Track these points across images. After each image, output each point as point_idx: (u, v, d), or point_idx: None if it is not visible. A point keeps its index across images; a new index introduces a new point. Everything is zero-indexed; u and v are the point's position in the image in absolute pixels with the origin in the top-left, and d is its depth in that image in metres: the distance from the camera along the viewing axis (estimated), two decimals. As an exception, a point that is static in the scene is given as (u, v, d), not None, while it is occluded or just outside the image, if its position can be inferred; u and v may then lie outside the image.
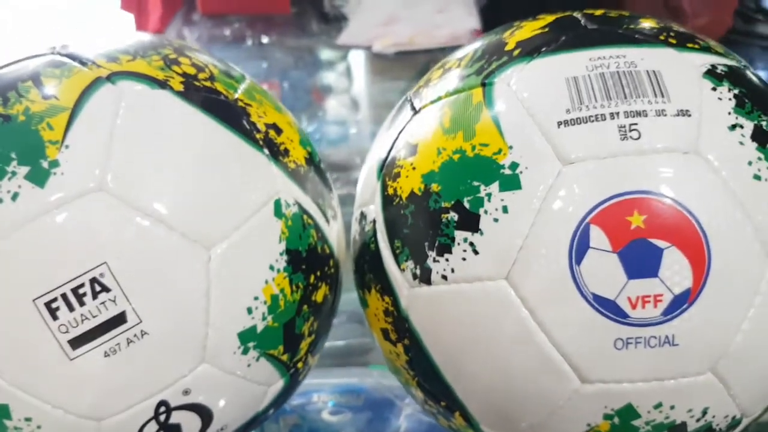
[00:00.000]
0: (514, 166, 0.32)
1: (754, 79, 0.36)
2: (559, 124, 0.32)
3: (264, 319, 0.36)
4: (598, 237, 0.30)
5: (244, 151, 0.37)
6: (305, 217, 0.39)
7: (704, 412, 0.33)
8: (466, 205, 0.33)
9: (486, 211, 0.33)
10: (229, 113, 0.38)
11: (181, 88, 0.37)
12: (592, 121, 0.32)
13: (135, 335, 0.33)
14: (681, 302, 0.30)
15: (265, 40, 1.28)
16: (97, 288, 0.32)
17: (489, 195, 0.33)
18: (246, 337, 0.36)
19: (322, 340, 0.43)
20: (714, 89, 0.33)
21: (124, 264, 0.32)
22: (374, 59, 1.21)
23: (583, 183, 0.31)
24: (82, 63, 0.37)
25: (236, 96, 0.39)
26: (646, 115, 0.32)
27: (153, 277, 0.33)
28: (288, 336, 0.38)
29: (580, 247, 0.31)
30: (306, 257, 0.38)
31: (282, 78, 1.17)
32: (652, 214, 0.30)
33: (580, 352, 0.31)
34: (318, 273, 0.40)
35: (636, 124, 0.32)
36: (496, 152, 0.33)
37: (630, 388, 0.31)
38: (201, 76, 0.39)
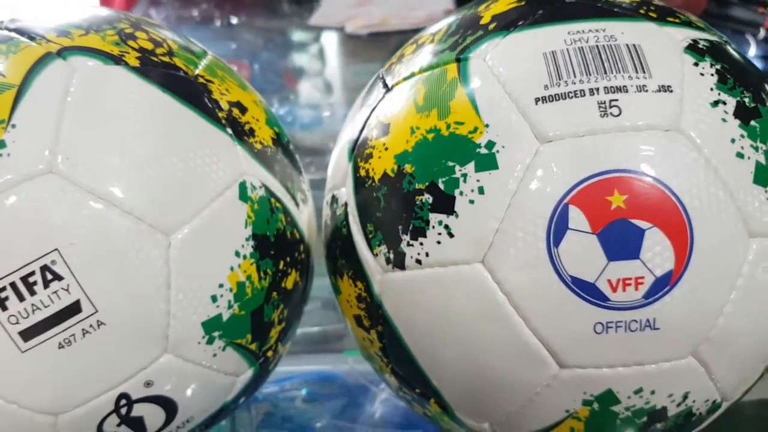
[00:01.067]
0: (490, 145, 0.31)
1: (736, 54, 0.35)
2: (537, 100, 0.31)
3: (230, 307, 0.34)
4: (577, 218, 0.29)
5: (206, 131, 0.35)
6: (273, 200, 0.37)
7: (685, 397, 0.32)
8: (441, 186, 0.32)
9: (461, 193, 0.31)
10: (189, 90, 0.36)
11: (137, 63, 0.35)
12: (571, 97, 0.31)
13: (91, 326, 0.31)
14: (663, 285, 0.29)
15: (234, 20, 1.25)
16: (49, 276, 0.30)
17: (464, 176, 0.31)
18: (211, 326, 0.34)
19: (294, 328, 0.42)
20: (696, 64, 0.32)
21: (77, 250, 0.30)
22: (347, 41, 1.18)
23: (562, 162, 0.30)
24: (31, 38, 0.34)
25: (197, 72, 0.37)
26: (626, 91, 0.31)
27: (109, 264, 0.31)
28: (256, 324, 0.36)
29: (558, 229, 0.29)
30: (274, 242, 0.37)
31: (252, 60, 1.14)
32: (633, 193, 0.29)
33: (558, 337, 0.30)
34: (288, 259, 0.38)
35: (616, 100, 0.30)
36: (471, 131, 0.32)
37: (610, 373, 0.30)
38: (159, 51, 0.37)
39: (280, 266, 0.37)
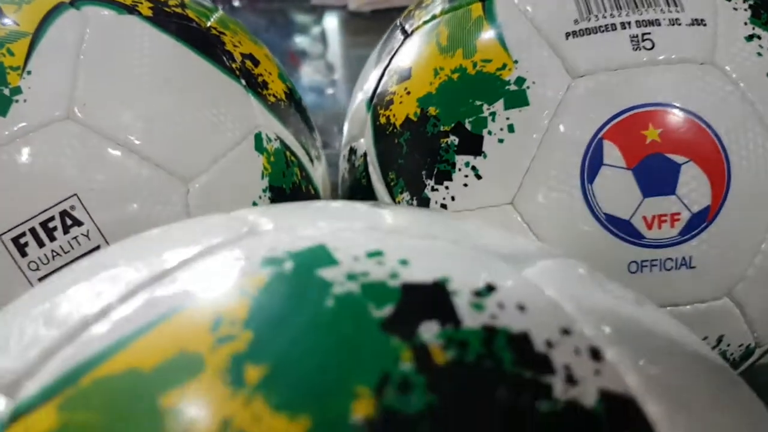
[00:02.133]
0: (520, 81, 0.30)
1: (766, -6, 0.34)
2: (567, 35, 0.30)
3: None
4: (611, 153, 0.28)
5: (220, 81, 0.34)
6: (288, 153, 0.36)
7: (719, 340, 0.31)
8: (468, 126, 0.31)
9: (490, 132, 0.30)
10: (203, 40, 0.35)
11: (150, 13, 0.34)
12: (603, 31, 0.30)
13: None
14: (699, 221, 0.29)
15: (236, 2, 1.23)
16: (68, 222, 0.29)
17: (493, 114, 0.30)
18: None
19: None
20: (728, 0, 0.31)
21: (96, 196, 0.29)
22: (350, 19, 1.17)
23: (595, 96, 0.29)
24: (43, -14, 0.33)
25: (209, 24, 0.36)
26: (659, 24, 0.30)
27: (128, 210, 0.30)
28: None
29: (592, 165, 0.29)
30: (290, 195, 0.36)
31: (255, 39, 1.13)
32: (668, 127, 0.28)
33: (592, 278, 0.29)
34: (305, 213, 0.37)
35: (649, 33, 0.30)
36: (500, 68, 0.31)
37: (645, 315, 0.30)
38: (171, 2, 0.36)
39: (299, 220, 0.36)
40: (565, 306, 0.16)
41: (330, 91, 0.99)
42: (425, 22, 0.35)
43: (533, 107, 0.30)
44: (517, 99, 0.30)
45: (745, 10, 0.31)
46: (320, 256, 0.16)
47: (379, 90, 0.36)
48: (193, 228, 0.20)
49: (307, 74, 1.24)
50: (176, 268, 0.16)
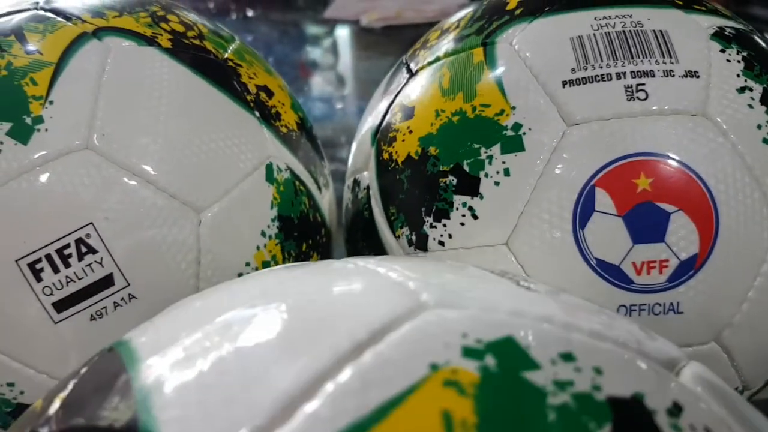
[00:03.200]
0: (517, 127, 0.31)
1: (762, 42, 0.35)
2: (564, 83, 0.31)
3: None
4: (603, 200, 0.30)
5: (235, 113, 0.36)
6: (297, 183, 0.38)
7: (705, 381, 0.32)
8: (466, 168, 0.32)
9: (487, 174, 0.31)
10: (219, 73, 0.36)
11: (169, 45, 0.35)
12: (598, 80, 0.31)
13: (122, 299, 0.31)
14: (687, 268, 0.30)
15: (250, 13, 1.25)
16: (83, 249, 0.30)
17: (490, 157, 0.32)
18: (237, 304, 0.35)
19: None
20: (722, 51, 0.32)
21: (111, 225, 0.31)
22: (361, 34, 1.19)
23: (588, 144, 0.30)
24: (67, 18, 0.35)
25: (226, 56, 0.38)
26: (653, 75, 0.31)
27: (141, 239, 0.31)
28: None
29: (584, 211, 0.30)
30: (298, 224, 0.37)
31: (267, 52, 1.14)
32: (659, 176, 0.29)
33: (582, 319, 0.30)
34: (310, 241, 0.39)
35: (643, 84, 0.31)
36: (498, 113, 0.32)
37: (632, 356, 0.31)
38: (190, 34, 0.37)
39: (303, 248, 0.38)
40: (728, 420, 0.17)
41: (339, 105, 1.01)
42: (429, 63, 0.37)
43: (529, 152, 0.31)
44: (514, 144, 0.31)
45: (739, 62, 0.32)
46: (517, 353, 0.16)
47: (383, 125, 0.37)
48: (348, 291, 0.19)
49: (318, 85, 1.26)
50: (364, 343, 0.16)
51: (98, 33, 0.34)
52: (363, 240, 0.38)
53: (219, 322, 0.18)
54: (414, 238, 0.34)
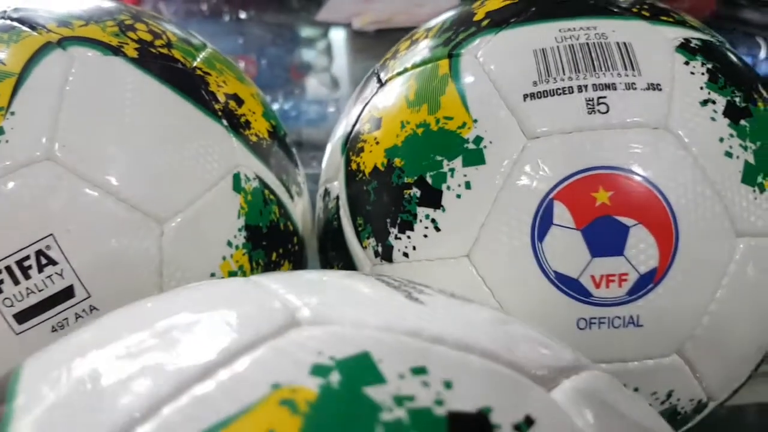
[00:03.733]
0: (478, 140, 0.31)
1: (729, 54, 0.35)
2: (525, 97, 0.31)
3: (221, 296, 0.35)
4: (561, 214, 0.29)
5: (201, 122, 0.36)
6: (267, 192, 0.38)
7: (669, 395, 0.32)
8: (429, 180, 0.32)
9: (449, 187, 0.31)
10: (186, 82, 0.36)
11: (135, 55, 0.35)
12: (559, 94, 0.31)
13: (83, 310, 0.31)
14: (647, 282, 0.29)
15: (242, 15, 1.25)
16: (43, 261, 0.30)
17: (452, 170, 0.31)
18: (203, 314, 0.35)
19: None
20: (686, 63, 0.32)
21: (71, 236, 0.31)
22: (355, 37, 1.19)
23: (548, 158, 0.30)
24: (32, 27, 0.35)
25: (195, 64, 0.38)
26: (615, 89, 0.31)
27: (102, 250, 0.31)
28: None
29: (542, 224, 0.30)
30: (267, 233, 0.37)
31: (259, 55, 1.15)
32: (619, 190, 0.29)
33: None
34: (280, 250, 0.39)
35: (604, 97, 0.31)
36: (460, 126, 0.32)
37: (592, 369, 0.31)
38: (158, 43, 0.37)
39: (273, 257, 0.38)
40: None
41: (332, 109, 1.01)
42: (398, 74, 0.37)
43: (489, 166, 0.31)
44: (475, 157, 0.31)
45: (703, 74, 0.32)
46: (366, 368, 0.16)
47: (353, 135, 0.37)
48: (222, 310, 0.19)
49: (312, 86, 1.26)
50: (216, 364, 0.16)
51: (63, 42, 0.34)
52: (333, 249, 0.38)
53: (91, 350, 0.18)
54: (380, 249, 0.34)
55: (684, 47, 0.33)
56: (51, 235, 0.30)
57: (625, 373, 0.31)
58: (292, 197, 0.41)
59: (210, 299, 0.20)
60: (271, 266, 0.38)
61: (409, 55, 0.37)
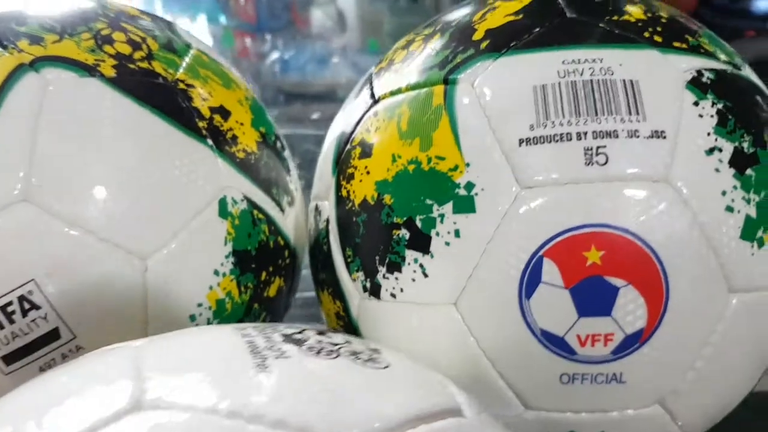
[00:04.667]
0: (469, 186, 0.30)
1: (745, 84, 0.32)
2: (521, 141, 0.30)
3: (209, 324, 0.35)
4: (550, 271, 0.29)
5: (185, 146, 0.34)
6: (256, 212, 0.37)
7: (648, 436, 0.32)
8: (418, 224, 0.31)
9: (438, 233, 0.30)
10: (167, 100, 0.35)
11: (113, 74, 0.34)
12: (557, 141, 0.29)
13: (70, 350, 0.31)
14: (632, 342, 0.29)
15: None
16: (26, 306, 0.30)
17: (442, 216, 0.30)
18: (191, 342, 0.35)
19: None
20: (696, 104, 0.30)
21: (53, 280, 0.31)
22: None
23: (540, 211, 0.29)
24: (3, 46, 0.33)
25: (177, 76, 0.36)
26: (616, 137, 0.29)
27: (86, 291, 0.31)
28: (237, 334, 0.37)
29: (531, 281, 0.29)
30: (256, 255, 0.37)
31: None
32: (611, 249, 0.28)
33: (524, 383, 0.30)
34: (270, 268, 0.38)
35: (604, 147, 0.29)
36: (452, 168, 0.30)
37: (573, 418, 0.31)
38: (137, 55, 0.35)
39: (262, 277, 0.37)
40: None
41: (335, 59, 0.97)
42: (392, 93, 0.35)
43: (479, 215, 0.30)
44: (465, 204, 0.30)
45: (712, 116, 0.30)
46: None
47: (344, 155, 0.36)
48: (72, 399, 0.20)
49: (318, 19, 1.21)
50: None
51: (36, 64, 0.33)
52: (323, 272, 0.37)
53: None
54: (368, 284, 0.33)
55: (695, 83, 0.31)
56: (32, 280, 0.30)
57: (606, 421, 0.31)
58: (283, 210, 0.40)
59: (67, 385, 0.21)
60: (261, 287, 0.38)
61: (404, 69, 0.35)
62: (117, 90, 0.33)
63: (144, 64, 0.35)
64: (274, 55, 1.05)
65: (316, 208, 0.38)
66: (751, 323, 0.30)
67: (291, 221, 0.41)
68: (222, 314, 0.35)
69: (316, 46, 1.05)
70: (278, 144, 0.42)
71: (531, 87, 0.30)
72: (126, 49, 0.35)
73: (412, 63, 0.35)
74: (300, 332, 0.25)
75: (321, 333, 0.25)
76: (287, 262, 0.40)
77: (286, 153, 0.43)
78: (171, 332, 0.26)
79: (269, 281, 0.38)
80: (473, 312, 0.30)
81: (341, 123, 0.38)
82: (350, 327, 0.36)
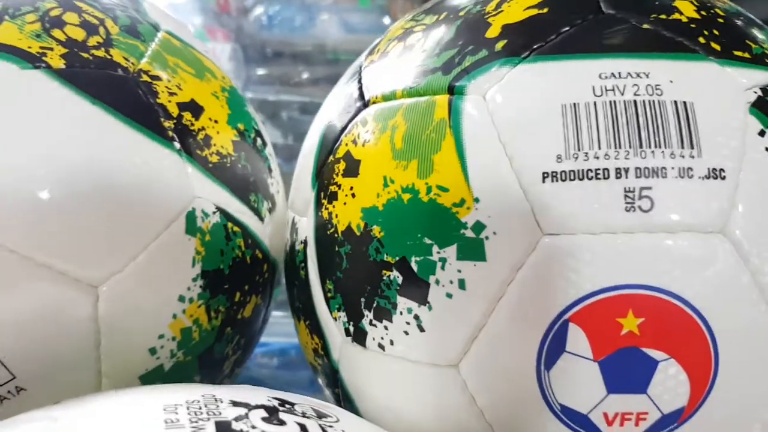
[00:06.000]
0: (478, 227, 0.24)
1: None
2: (545, 176, 0.24)
3: (173, 356, 0.30)
4: (576, 339, 0.23)
5: (147, 151, 0.28)
6: (230, 225, 0.31)
7: None
8: (414, 266, 0.25)
9: (438, 281, 0.25)
10: (127, 96, 0.29)
11: (61, 63, 0.28)
12: (590, 177, 0.23)
13: (9, 392, 0.27)
14: (669, 422, 0.24)
15: None
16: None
17: (443, 261, 0.25)
18: (151, 378, 0.30)
19: (252, 348, 0.37)
20: (762, 133, 0.24)
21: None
22: None
23: (567, 265, 0.23)
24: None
25: (140, 66, 0.30)
26: (664, 176, 0.23)
27: (26, 327, 0.26)
28: (205, 364, 0.32)
29: (552, 350, 0.24)
30: (230, 274, 0.31)
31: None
32: (652, 317, 0.23)
33: (538, 462, 0.26)
34: (246, 287, 0.33)
35: (649, 188, 0.23)
36: (457, 203, 0.25)
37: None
38: (92, 41, 0.29)
39: (237, 298, 0.32)
40: None
41: (324, 16, 0.89)
42: (384, 98, 0.28)
43: (491, 264, 0.24)
44: (473, 250, 0.24)
45: (780, 149, 0.24)
46: None
47: (326, 166, 0.30)
48: None
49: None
50: None
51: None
52: (299, 300, 0.32)
53: None
54: (351, 329, 0.28)
55: (761, 105, 0.25)
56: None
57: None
58: (262, 218, 0.34)
59: None
60: (234, 308, 0.32)
61: (400, 67, 0.29)
62: (65, 84, 0.27)
63: (100, 53, 0.29)
64: (258, 10, 0.97)
65: (293, 223, 0.32)
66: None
67: (271, 229, 0.35)
68: (188, 344, 0.30)
69: (297, 12, 0.96)
70: (258, 141, 0.35)
71: (559, 106, 0.24)
72: (79, 34, 0.29)
73: (410, 61, 0.29)
74: (243, 417, 0.20)
75: (271, 414, 0.20)
76: (266, 277, 0.34)
77: (268, 150, 0.36)
78: (93, 401, 0.22)
79: (244, 301, 0.33)
80: (479, 378, 0.25)
81: (325, 119, 0.32)
82: (330, 369, 0.31)
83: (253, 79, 0.87)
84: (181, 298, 0.29)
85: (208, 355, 0.32)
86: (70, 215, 0.27)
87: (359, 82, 0.31)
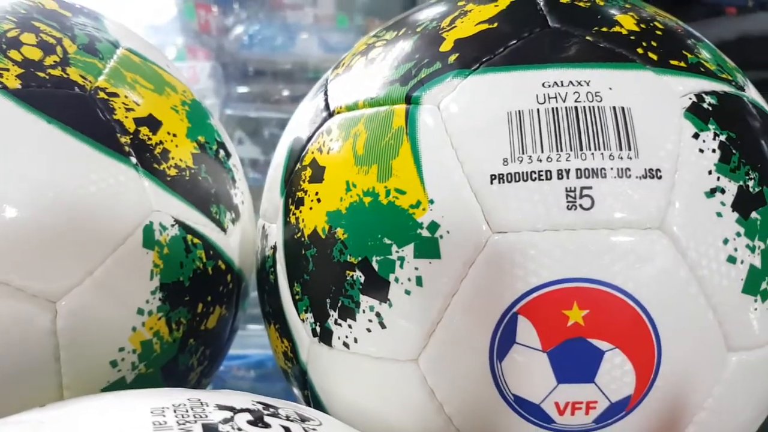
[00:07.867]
0: (433, 227, 0.26)
1: (749, 109, 0.28)
2: (493, 178, 0.25)
3: (134, 368, 0.31)
4: (526, 331, 0.25)
5: (103, 167, 0.29)
6: (190, 237, 0.32)
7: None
8: (375, 266, 0.27)
9: (397, 279, 0.26)
10: (84, 114, 0.30)
11: (17, 84, 0.29)
12: (534, 179, 0.25)
13: None
14: (618, 410, 0.25)
15: None
16: None
17: (402, 259, 0.26)
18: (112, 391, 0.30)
19: (221, 358, 0.38)
20: (696, 136, 0.26)
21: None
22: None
23: (515, 261, 0.25)
24: None
25: (97, 83, 0.31)
26: (603, 176, 0.25)
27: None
28: (169, 376, 0.33)
29: (503, 341, 0.25)
30: (190, 287, 0.32)
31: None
32: (596, 308, 0.24)
33: (495, 452, 0.27)
34: (209, 298, 0.34)
35: (590, 187, 0.25)
36: (413, 204, 0.26)
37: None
38: (48, 61, 0.30)
39: (199, 309, 0.33)
40: None
41: (304, 35, 0.91)
42: (348, 108, 0.30)
43: (444, 261, 0.25)
44: (428, 248, 0.26)
45: (714, 150, 0.26)
46: None
47: (293, 176, 0.31)
48: None
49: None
50: None
51: None
52: (269, 304, 0.33)
53: None
54: (318, 329, 0.29)
55: (695, 110, 0.26)
56: None
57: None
58: (225, 229, 0.35)
59: None
60: (197, 320, 0.33)
61: (362, 80, 0.30)
62: (20, 105, 0.28)
63: (56, 72, 0.30)
64: (239, 29, 0.99)
65: (264, 229, 0.34)
66: (751, 385, 0.27)
67: (236, 239, 0.36)
68: (149, 356, 0.31)
69: (285, 19, 0.98)
70: (221, 153, 0.37)
71: (506, 113, 0.26)
72: (35, 54, 0.30)
73: (371, 74, 0.30)
74: (230, 420, 0.20)
75: (256, 418, 0.21)
76: (230, 287, 0.35)
77: (232, 161, 0.38)
78: (79, 404, 0.22)
79: (208, 312, 0.34)
80: (437, 372, 0.26)
81: (293, 131, 0.33)
82: (299, 371, 0.32)
83: (233, 96, 0.89)
84: (140, 311, 0.30)
85: (172, 366, 0.32)
86: (27, 232, 0.27)
87: (325, 93, 0.32)
